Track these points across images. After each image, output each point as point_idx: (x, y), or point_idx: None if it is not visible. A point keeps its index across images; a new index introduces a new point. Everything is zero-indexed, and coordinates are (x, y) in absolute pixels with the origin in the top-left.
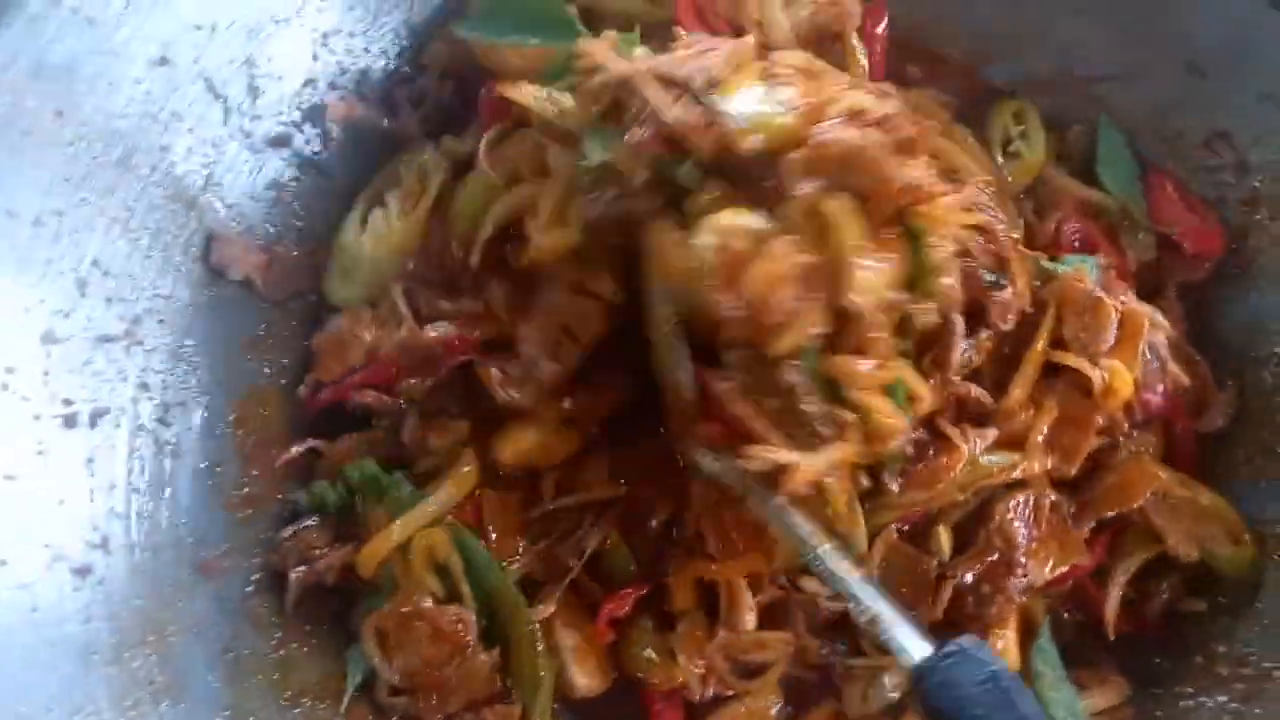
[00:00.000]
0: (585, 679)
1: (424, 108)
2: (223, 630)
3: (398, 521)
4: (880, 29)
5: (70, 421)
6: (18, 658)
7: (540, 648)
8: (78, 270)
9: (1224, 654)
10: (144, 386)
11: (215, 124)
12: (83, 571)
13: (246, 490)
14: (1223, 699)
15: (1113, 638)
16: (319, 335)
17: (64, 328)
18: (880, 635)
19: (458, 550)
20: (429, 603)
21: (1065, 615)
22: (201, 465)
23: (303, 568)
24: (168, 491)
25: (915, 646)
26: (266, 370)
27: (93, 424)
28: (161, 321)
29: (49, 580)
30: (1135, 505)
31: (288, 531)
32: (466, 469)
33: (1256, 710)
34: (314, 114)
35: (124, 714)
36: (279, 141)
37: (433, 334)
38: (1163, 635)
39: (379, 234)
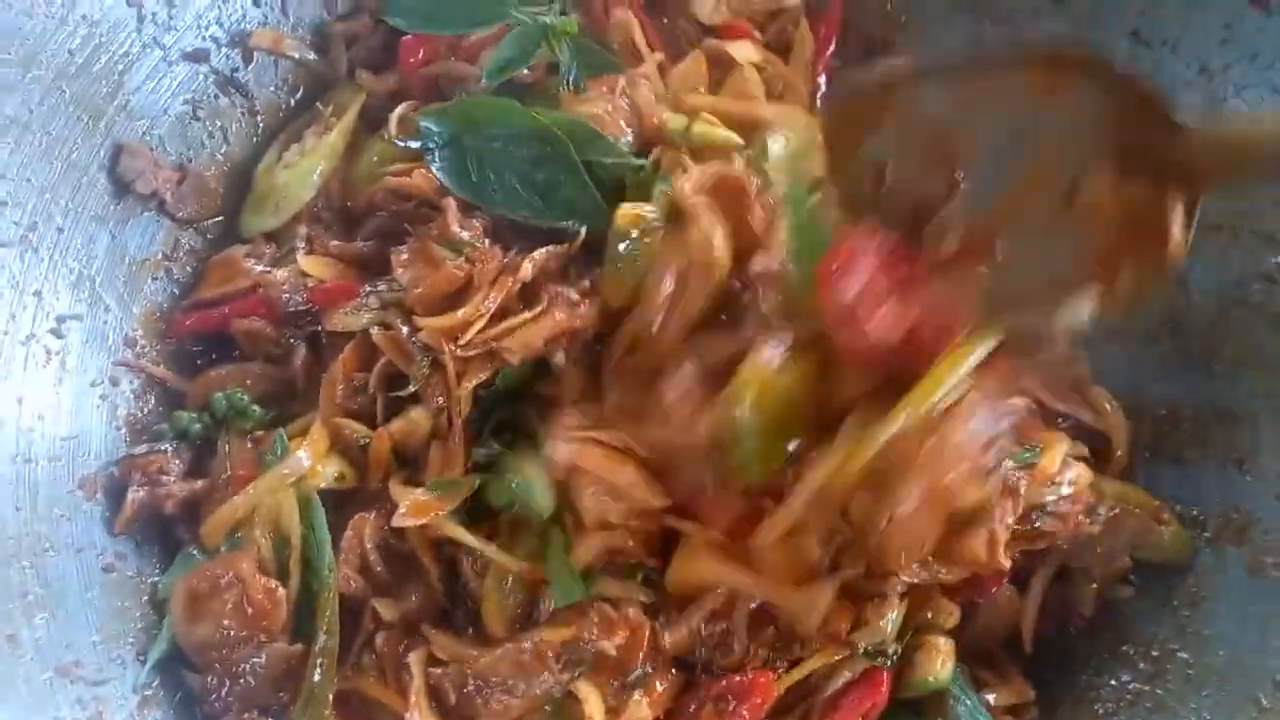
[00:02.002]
0: None
1: (355, 49)
2: (105, 549)
3: (248, 489)
4: None
5: None
6: None
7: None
8: None
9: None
10: (38, 295)
11: (129, 31)
12: None
13: (141, 412)
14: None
15: (1029, 650)
16: (214, 257)
17: None
18: None
19: (304, 523)
20: (248, 565)
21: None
22: (94, 381)
23: (143, 490)
24: (56, 404)
25: None
26: (174, 292)
27: None
28: (60, 230)
29: None
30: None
31: (141, 448)
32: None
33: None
34: (239, 40)
35: None
36: (196, 56)
37: (310, 281)
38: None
39: (290, 164)
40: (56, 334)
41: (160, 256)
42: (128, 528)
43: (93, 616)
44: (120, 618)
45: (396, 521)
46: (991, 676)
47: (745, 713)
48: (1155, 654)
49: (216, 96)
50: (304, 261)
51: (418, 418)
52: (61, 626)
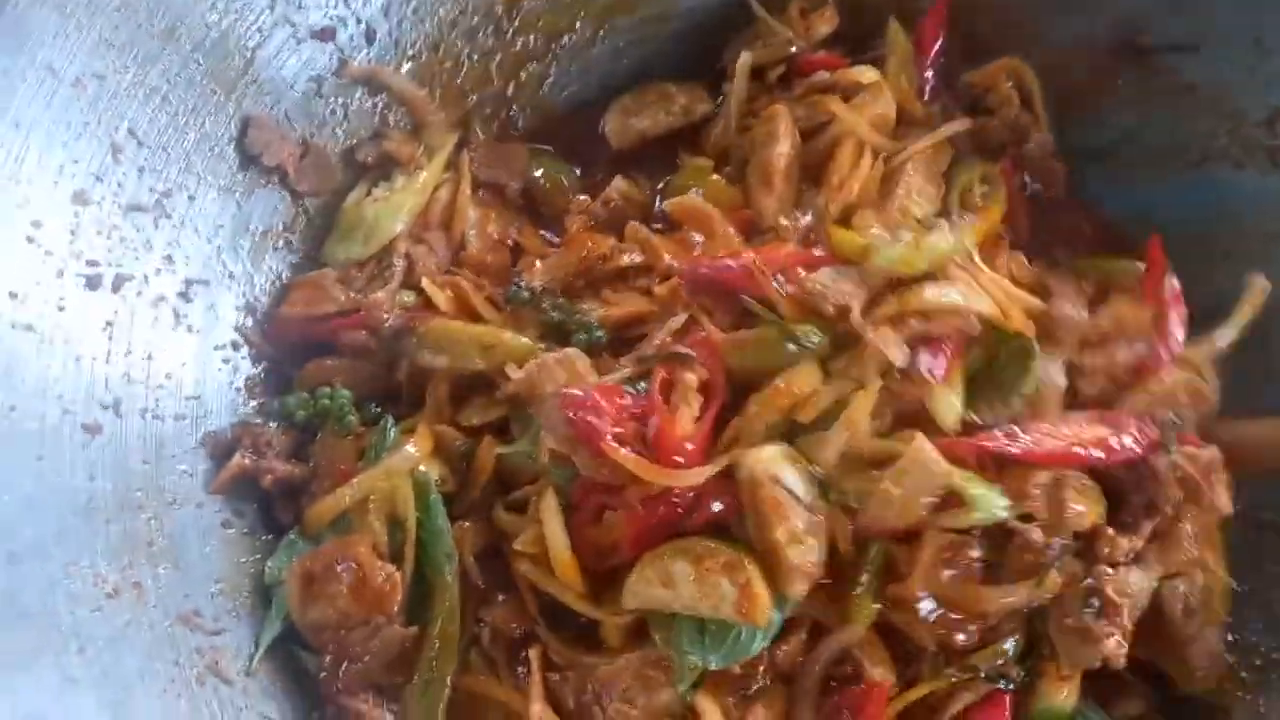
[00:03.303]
0: None
1: None
2: (225, 505)
3: (356, 479)
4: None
5: (93, 283)
6: (18, 498)
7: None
8: (113, 136)
9: None
10: (169, 259)
11: (262, 8)
12: (92, 429)
13: (261, 377)
14: None
15: None
16: (299, 276)
17: (95, 191)
18: None
19: (420, 508)
20: (365, 549)
21: None
22: (219, 344)
23: (248, 457)
24: (183, 365)
25: None
26: (293, 262)
27: (115, 288)
28: (191, 198)
29: (58, 432)
30: None
31: (257, 418)
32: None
33: None
34: (363, 19)
35: (118, 570)
36: (324, 34)
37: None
38: None
39: (379, 199)
40: (185, 297)
41: (281, 228)
42: (223, 489)
43: (211, 569)
44: (237, 571)
45: (519, 545)
46: (1110, 687)
47: None
48: (1258, 662)
49: (339, 74)
50: (428, 286)
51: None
52: (182, 577)
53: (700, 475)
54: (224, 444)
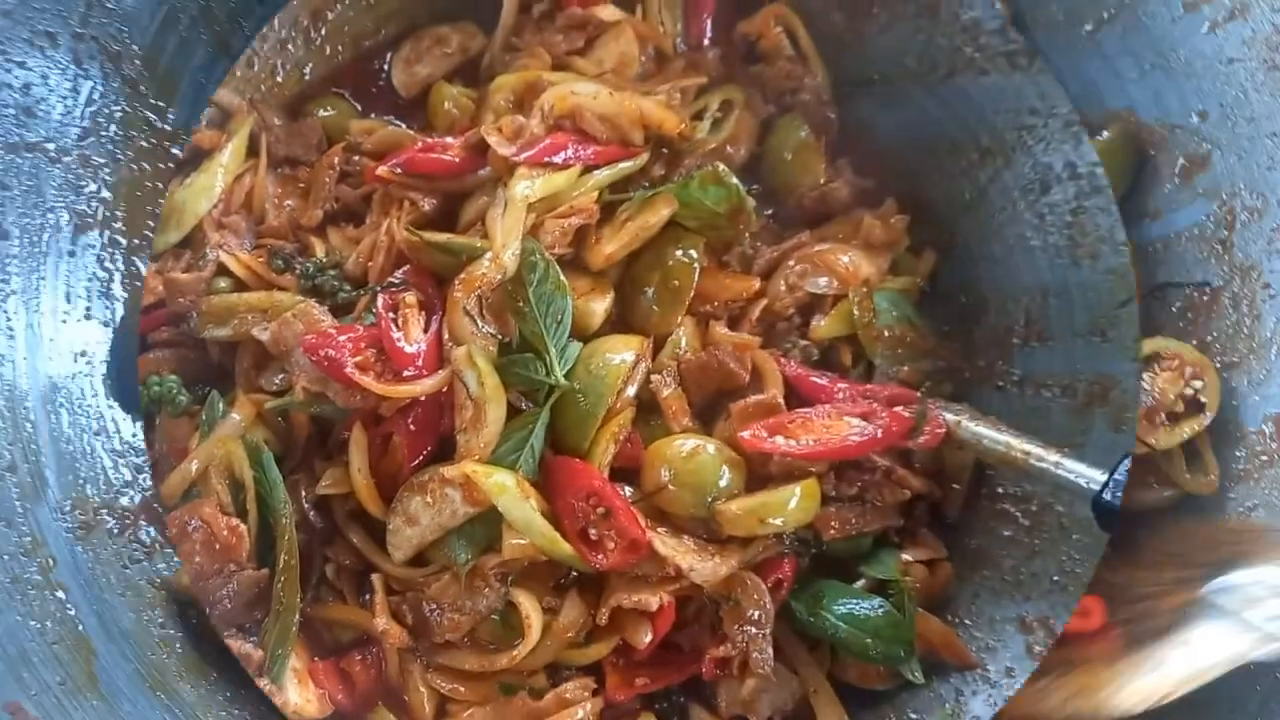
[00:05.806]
0: (299, 699)
1: None
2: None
3: (196, 450)
4: None
5: None
6: None
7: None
8: None
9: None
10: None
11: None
12: None
13: None
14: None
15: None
16: None
17: None
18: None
19: (255, 467)
20: (209, 509)
21: None
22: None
23: None
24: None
25: (1089, 471)
26: None
27: None
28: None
29: None
30: None
31: None
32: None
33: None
34: None
35: None
36: None
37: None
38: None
39: (187, 184)
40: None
41: None
42: None
43: None
44: None
45: (323, 486)
46: (902, 535)
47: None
48: (1034, 509)
49: None
50: (224, 258)
51: None
52: None
53: (428, 382)
54: None
